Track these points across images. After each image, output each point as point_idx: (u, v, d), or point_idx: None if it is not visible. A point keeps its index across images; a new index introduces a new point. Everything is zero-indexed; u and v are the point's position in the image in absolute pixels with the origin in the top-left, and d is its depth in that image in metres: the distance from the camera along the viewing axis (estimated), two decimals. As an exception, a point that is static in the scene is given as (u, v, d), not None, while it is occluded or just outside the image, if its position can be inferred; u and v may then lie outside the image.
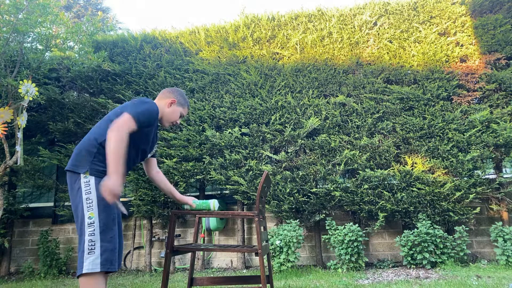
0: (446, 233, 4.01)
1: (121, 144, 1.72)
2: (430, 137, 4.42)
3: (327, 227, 4.28)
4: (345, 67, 4.80)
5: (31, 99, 4.55)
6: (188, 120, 4.96)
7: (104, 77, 5.40)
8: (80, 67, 5.16)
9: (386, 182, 4.34)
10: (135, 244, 5.18)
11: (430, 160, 4.29)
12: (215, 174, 4.64)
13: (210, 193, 5.26)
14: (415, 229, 4.02)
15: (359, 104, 4.63)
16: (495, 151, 4.28)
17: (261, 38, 5.12)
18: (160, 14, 37.79)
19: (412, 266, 4.00)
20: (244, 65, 5.05)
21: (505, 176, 4.36)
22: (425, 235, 3.90)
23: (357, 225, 4.16)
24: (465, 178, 4.22)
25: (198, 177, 4.77)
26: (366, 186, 4.29)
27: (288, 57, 5.01)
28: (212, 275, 4.32)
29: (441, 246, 3.91)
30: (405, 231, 4.09)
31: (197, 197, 4.92)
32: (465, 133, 4.29)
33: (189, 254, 4.59)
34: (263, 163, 4.67)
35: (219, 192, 5.22)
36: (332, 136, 4.55)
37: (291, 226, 4.19)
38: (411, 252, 3.96)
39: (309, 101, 4.74)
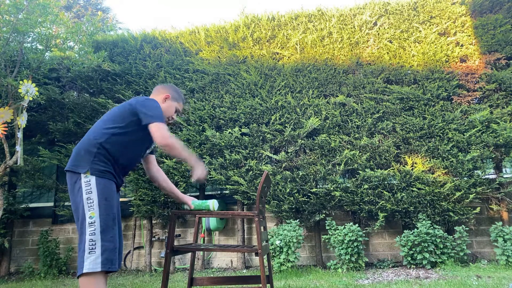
0: (446, 233, 4.01)
1: (176, 144, 1.92)
2: (430, 137, 4.42)
3: (327, 227, 4.28)
4: (345, 67, 4.80)
5: (31, 99, 4.55)
6: (188, 120, 4.96)
7: (104, 77, 5.41)
8: (80, 67, 5.16)
9: (386, 182, 4.34)
10: (135, 244, 5.18)
11: (430, 160, 4.30)
12: (215, 174, 4.64)
13: (210, 193, 5.26)
14: (415, 229, 4.02)
15: (359, 104, 4.63)
16: (495, 151, 4.28)
17: (261, 38, 5.12)
18: (160, 14, 37.80)
19: (412, 266, 4.00)
20: (244, 65, 5.05)
21: (505, 176, 4.36)
22: (425, 235, 3.90)
23: (357, 225, 4.16)
24: (465, 178, 4.22)
25: (198, 177, 4.76)
26: (366, 186, 4.29)
27: (288, 57, 5.01)
28: (212, 275, 4.32)
29: (441, 246, 3.91)
30: (405, 231, 4.09)
31: (197, 197, 4.91)
32: (465, 133, 4.29)
33: (189, 254, 4.59)
34: (263, 163, 4.67)
35: (219, 192, 5.22)
36: (332, 136, 4.55)
37: (291, 226, 4.19)
38: (411, 252, 3.96)
39: (309, 101, 4.74)
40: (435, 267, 3.90)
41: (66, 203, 5.25)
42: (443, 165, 4.23)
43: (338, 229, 4.18)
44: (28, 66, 4.89)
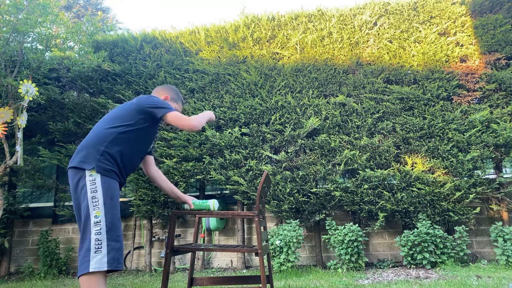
0: (446, 233, 4.01)
1: (197, 122, 2.02)
2: (430, 137, 4.42)
3: (327, 227, 4.28)
4: (345, 67, 4.80)
5: (31, 99, 4.55)
6: (188, 120, 4.96)
7: (104, 77, 5.41)
8: (80, 67, 5.16)
9: (386, 182, 4.34)
10: (135, 244, 5.18)
11: (430, 160, 4.30)
12: (215, 174, 4.65)
13: (210, 193, 5.26)
14: (415, 229, 4.02)
15: (359, 104, 4.63)
16: (495, 151, 4.28)
17: (261, 38, 5.12)
18: (160, 14, 37.80)
19: (412, 266, 4.00)
20: (244, 65, 5.05)
21: (505, 176, 4.36)
22: (425, 235, 3.90)
23: (357, 225, 4.16)
24: (465, 178, 4.22)
25: (198, 177, 4.77)
26: (366, 186, 4.29)
27: (288, 57, 5.01)
28: (212, 275, 4.32)
29: (441, 246, 3.91)
30: (405, 231, 4.09)
31: (197, 197, 4.91)
32: (465, 133, 4.29)
33: (189, 254, 4.59)
34: (263, 163, 4.67)
35: (219, 192, 5.22)
36: (332, 136, 4.55)
37: (291, 226, 4.19)
38: (411, 252, 3.96)
39: (309, 101, 4.74)
40: (435, 267, 3.90)
41: (66, 203, 5.24)
42: (443, 165, 4.23)
43: (338, 229, 4.18)
44: (28, 66, 4.90)
